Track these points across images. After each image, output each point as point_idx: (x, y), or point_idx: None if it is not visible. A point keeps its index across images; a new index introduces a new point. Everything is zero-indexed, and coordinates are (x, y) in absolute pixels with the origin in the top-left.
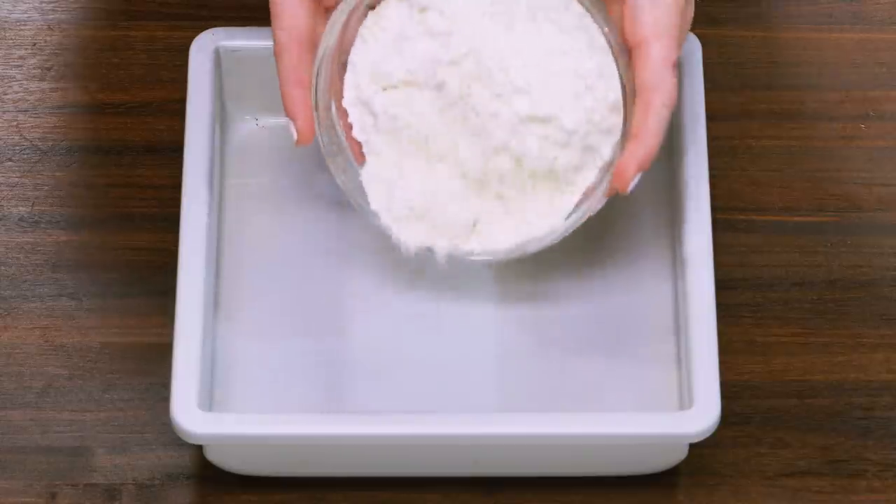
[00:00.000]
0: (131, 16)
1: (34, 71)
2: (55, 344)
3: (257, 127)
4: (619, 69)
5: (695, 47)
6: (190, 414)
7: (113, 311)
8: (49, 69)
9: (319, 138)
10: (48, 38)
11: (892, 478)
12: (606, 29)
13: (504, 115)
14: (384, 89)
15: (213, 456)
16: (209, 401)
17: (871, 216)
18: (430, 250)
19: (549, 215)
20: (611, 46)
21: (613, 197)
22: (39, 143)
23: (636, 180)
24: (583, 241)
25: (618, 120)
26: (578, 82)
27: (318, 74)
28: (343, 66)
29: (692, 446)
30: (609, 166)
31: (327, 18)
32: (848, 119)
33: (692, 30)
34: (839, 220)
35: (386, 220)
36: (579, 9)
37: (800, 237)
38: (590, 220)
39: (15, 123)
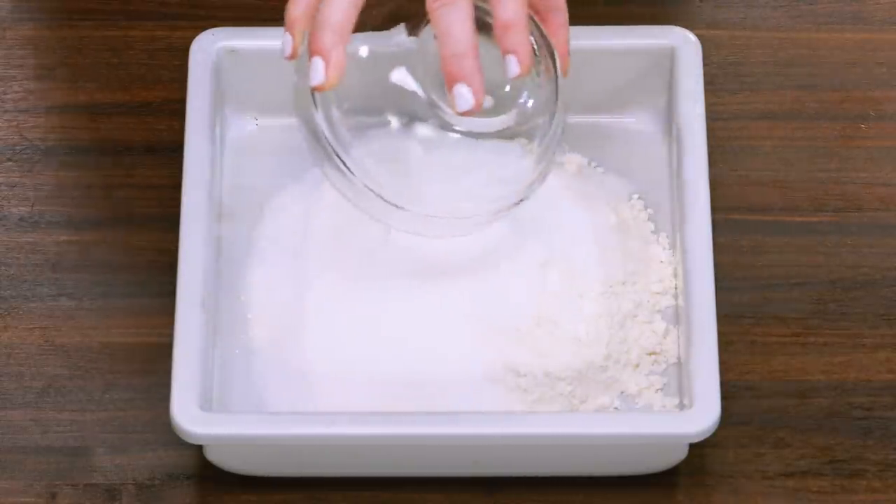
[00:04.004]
0: (131, 16)
1: (34, 71)
2: (55, 344)
3: (257, 127)
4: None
5: (695, 47)
6: (190, 414)
7: (113, 311)
8: (49, 69)
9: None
10: (48, 38)
11: (892, 478)
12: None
13: None
14: None
15: (213, 456)
16: (209, 401)
17: (871, 216)
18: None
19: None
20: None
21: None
22: (39, 143)
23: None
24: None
25: None
26: None
27: None
28: None
29: (692, 446)
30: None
31: None
32: (848, 119)
33: (693, 30)
34: (839, 220)
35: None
36: None
37: (800, 237)
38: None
39: (15, 123)
